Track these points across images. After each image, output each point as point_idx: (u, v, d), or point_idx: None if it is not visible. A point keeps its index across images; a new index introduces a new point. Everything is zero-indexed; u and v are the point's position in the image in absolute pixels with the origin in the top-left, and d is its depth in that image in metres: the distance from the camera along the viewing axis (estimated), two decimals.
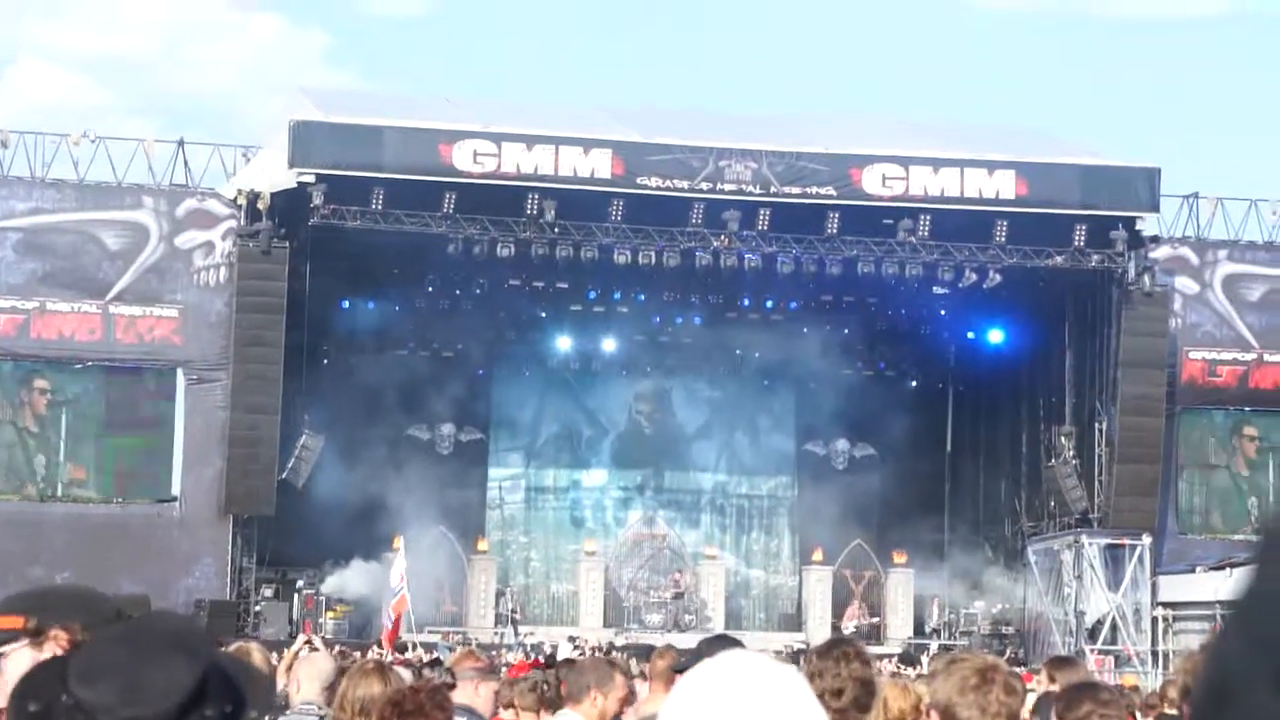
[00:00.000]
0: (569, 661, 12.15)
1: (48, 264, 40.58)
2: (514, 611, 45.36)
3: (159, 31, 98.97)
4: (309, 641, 16.42)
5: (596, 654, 33.98)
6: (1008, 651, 41.27)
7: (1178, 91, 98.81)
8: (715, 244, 40.94)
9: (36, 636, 4.19)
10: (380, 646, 37.81)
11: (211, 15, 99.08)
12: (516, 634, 43.75)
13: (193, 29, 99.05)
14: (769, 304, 46.58)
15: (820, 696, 6.03)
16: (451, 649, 34.46)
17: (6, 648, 4.22)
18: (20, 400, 41.14)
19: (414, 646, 37.22)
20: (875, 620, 47.58)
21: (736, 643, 7.95)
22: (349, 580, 42.93)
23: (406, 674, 10.72)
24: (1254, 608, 1.91)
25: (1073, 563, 42.61)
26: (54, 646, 4.17)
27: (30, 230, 40.62)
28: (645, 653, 12.91)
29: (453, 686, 10.26)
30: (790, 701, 2.61)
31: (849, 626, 45.91)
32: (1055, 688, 8.74)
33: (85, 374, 41.36)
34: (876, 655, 37.98)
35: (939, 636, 45.74)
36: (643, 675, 11.95)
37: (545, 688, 10.36)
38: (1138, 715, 10.71)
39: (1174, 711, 6.84)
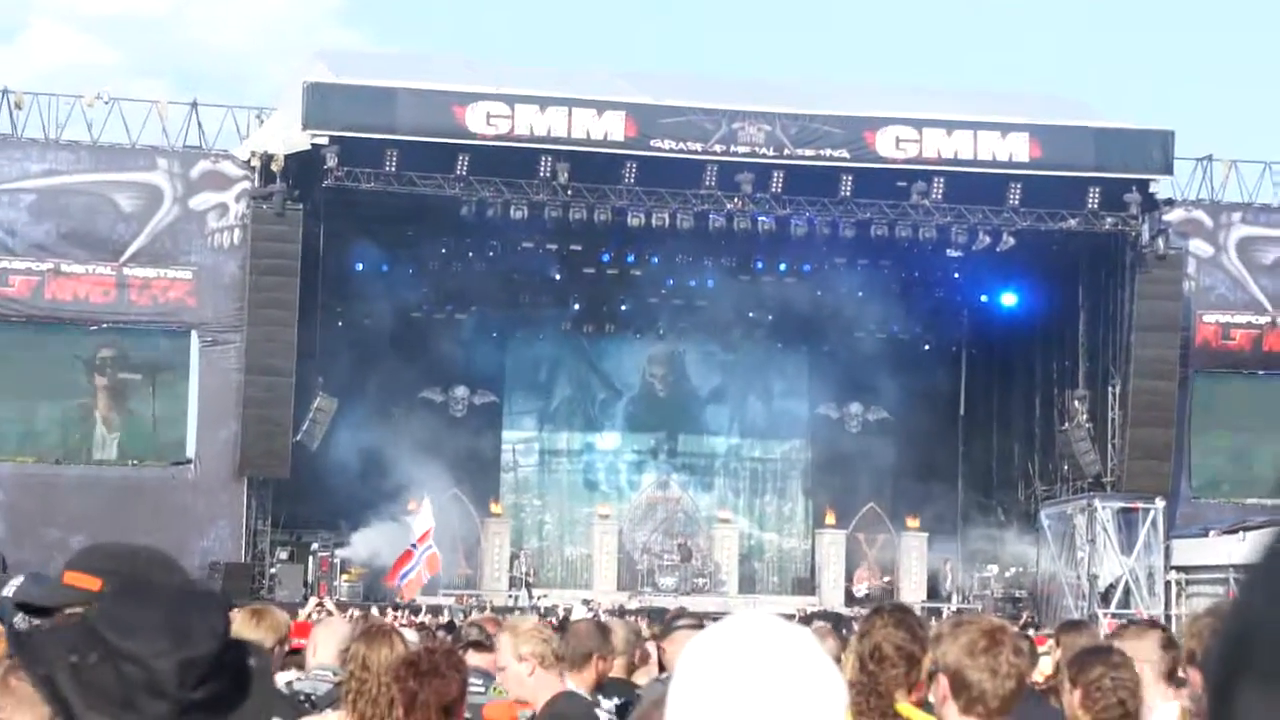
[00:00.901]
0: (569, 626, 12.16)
1: (62, 225, 40.62)
2: (528, 575, 45.50)
3: None
4: (320, 604, 16.51)
5: (603, 617, 34.07)
6: (1023, 616, 41.33)
7: (1192, 54, 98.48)
8: (729, 206, 40.91)
9: None
10: (399, 599, 38.16)
11: None
12: (530, 597, 43.89)
13: None
14: (782, 267, 46.53)
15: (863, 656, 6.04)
16: (465, 612, 34.61)
17: (79, 612, 4.07)
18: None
19: (426, 609, 37.38)
20: (886, 581, 47.66)
21: (699, 623, 8.03)
22: (363, 543, 43.03)
23: (413, 635, 10.73)
24: (1275, 565, 1.92)
25: (1086, 526, 42.63)
26: None
27: (44, 192, 40.65)
28: (659, 615, 12.93)
29: (482, 646, 10.25)
30: (802, 660, 2.63)
31: (860, 589, 45.98)
32: (1059, 651, 8.76)
33: (99, 335, 41.43)
34: None
35: (952, 601, 45.80)
36: (654, 637, 11.98)
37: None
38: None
39: (1181, 674, 6.85)
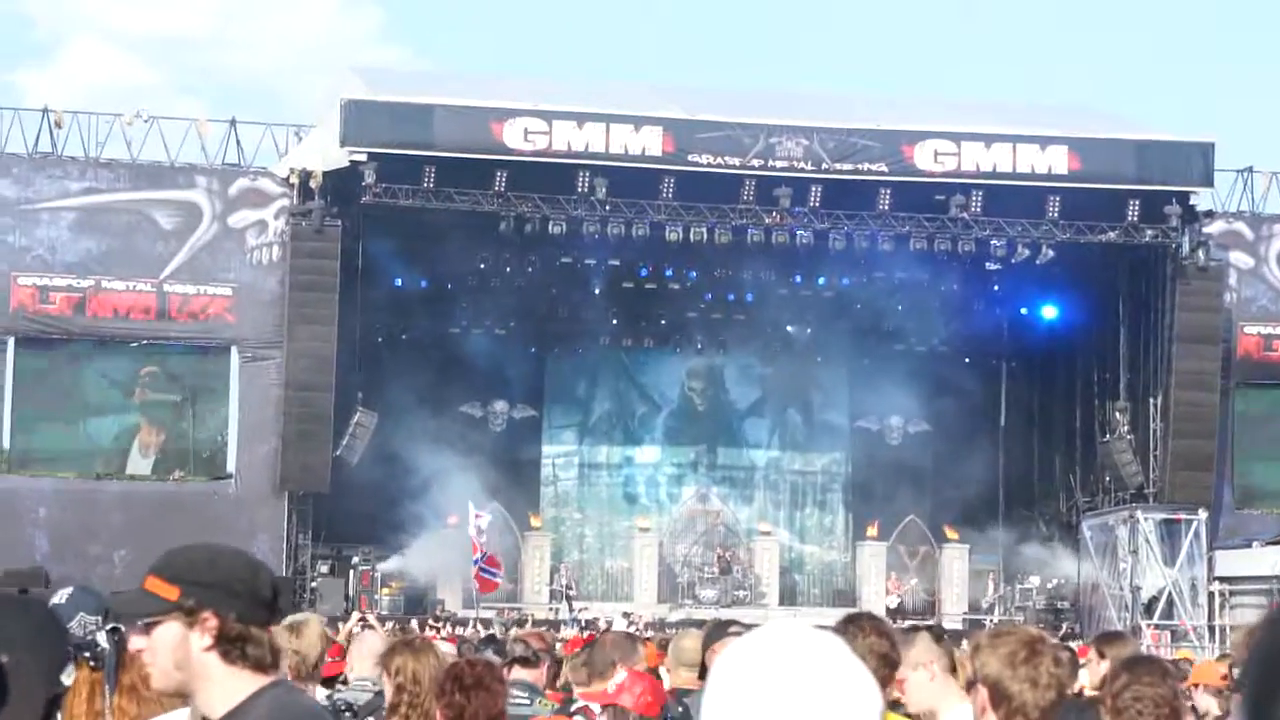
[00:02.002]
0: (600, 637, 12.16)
1: (102, 243, 40.81)
2: (568, 588, 45.53)
3: (211, 10, 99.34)
4: (363, 619, 16.54)
5: (640, 630, 34.11)
6: (1063, 627, 41.21)
7: (1233, 66, 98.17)
8: (767, 221, 40.91)
9: (190, 616, 4.07)
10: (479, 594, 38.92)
11: None
12: (571, 609, 43.92)
13: (245, 8, 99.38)
14: (821, 280, 46.46)
15: None
16: (506, 626, 34.66)
17: (157, 620, 4.09)
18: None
19: (469, 624, 37.43)
20: (917, 593, 47.62)
21: (742, 627, 8.06)
22: (403, 557, 43.11)
23: (448, 649, 10.76)
24: None
25: (1128, 538, 42.50)
26: (204, 632, 4.06)
27: (85, 210, 40.85)
28: (699, 628, 12.93)
29: (528, 662, 10.22)
30: (834, 666, 2.64)
31: (891, 601, 45.86)
32: (1105, 663, 8.73)
33: (140, 352, 41.60)
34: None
35: (994, 612, 45.69)
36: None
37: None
38: (1193, 691, 10.68)
39: (1223, 684, 6.81)
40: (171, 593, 4.05)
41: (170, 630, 4.05)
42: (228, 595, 4.08)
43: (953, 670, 6.38)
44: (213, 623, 4.05)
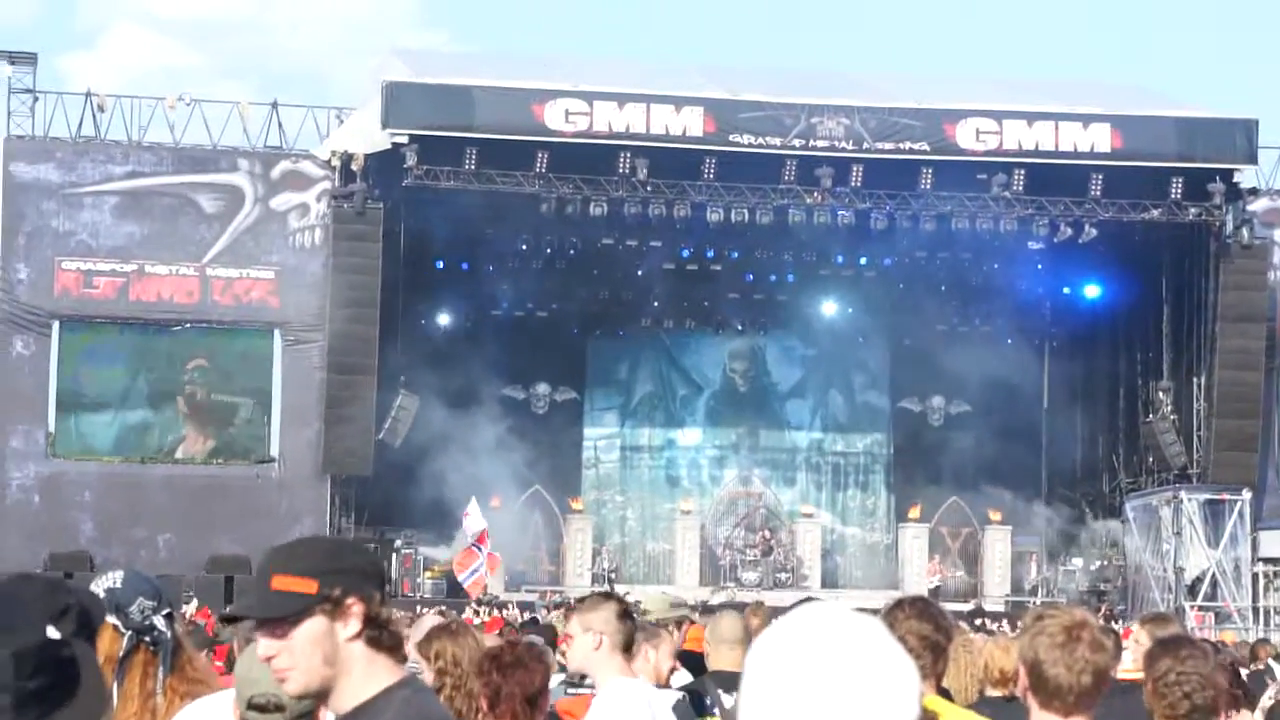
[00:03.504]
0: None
1: (145, 227, 40.96)
2: (611, 571, 45.55)
3: None
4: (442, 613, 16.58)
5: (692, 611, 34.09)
6: (1104, 608, 41.09)
7: (1276, 42, 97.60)
8: (808, 201, 40.83)
9: (336, 606, 3.93)
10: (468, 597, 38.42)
11: None
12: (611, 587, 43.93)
13: None
14: (863, 260, 46.35)
15: None
16: (548, 607, 34.72)
17: (298, 619, 3.91)
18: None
19: (510, 605, 37.51)
20: (957, 575, 47.61)
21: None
22: (447, 540, 43.21)
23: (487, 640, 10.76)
24: None
25: (1172, 519, 42.34)
26: (349, 620, 3.93)
27: (128, 194, 41.00)
28: (740, 610, 12.93)
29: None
30: (871, 649, 2.63)
31: (931, 583, 45.74)
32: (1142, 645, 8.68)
33: (183, 336, 41.76)
34: (967, 613, 37.95)
35: (1037, 594, 45.58)
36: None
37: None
38: (1242, 671, 10.64)
39: (1260, 667, 6.76)
40: (310, 586, 3.89)
41: (316, 624, 3.90)
42: (363, 578, 3.97)
43: (932, 656, 6.27)
44: (359, 608, 3.92)
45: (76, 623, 3.20)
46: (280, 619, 3.90)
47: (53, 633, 3.14)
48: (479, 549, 38.04)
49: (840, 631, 2.60)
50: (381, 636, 3.96)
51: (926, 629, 6.19)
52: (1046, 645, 5.43)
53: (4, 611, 2.99)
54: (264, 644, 3.94)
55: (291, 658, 3.91)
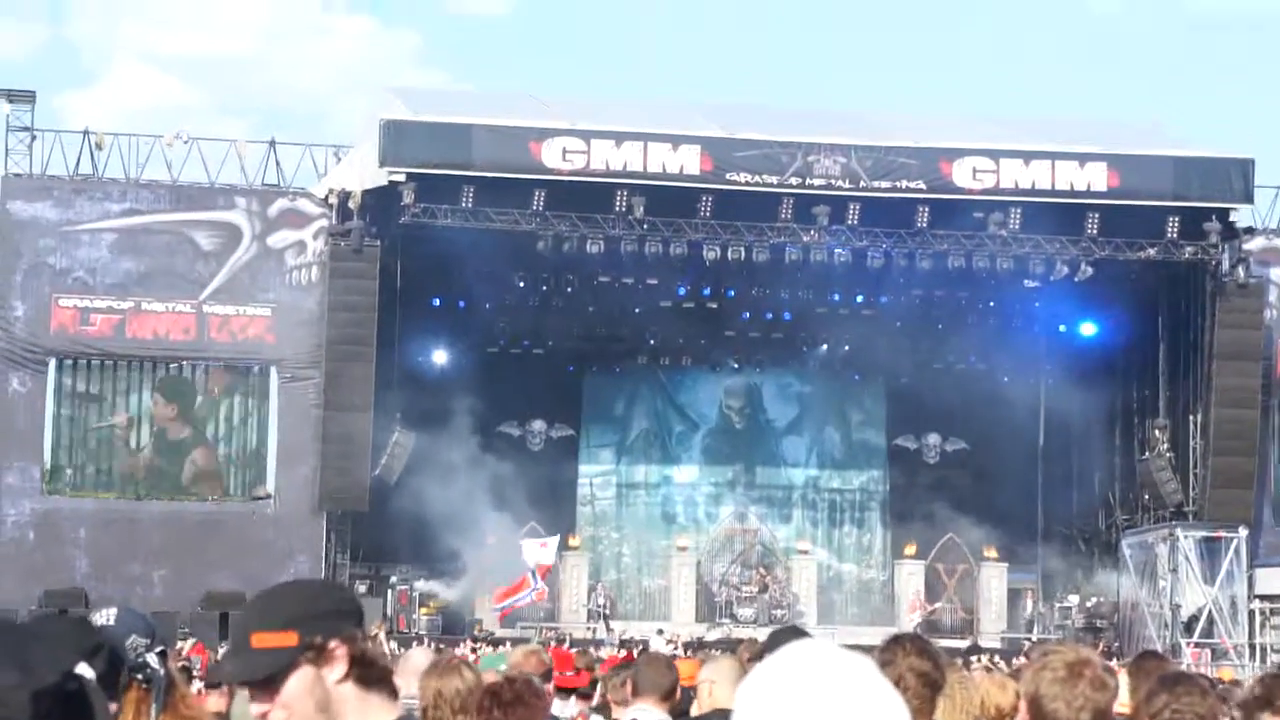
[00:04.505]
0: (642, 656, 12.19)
1: (143, 264, 40.99)
2: (605, 607, 45.50)
3: (251, 33, 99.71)
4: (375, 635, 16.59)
5: (679, 650, 34.12)
6: (1101, 645, 41.04)
7: (1271, 82, 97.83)
8: (805, 239, 40.87)
9: (320, 653, 3.86)
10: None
11: (303, 17, 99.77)
12: (609, 629, 43.87)
13: (284, 31, 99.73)
14: (859, 298, 46.39)
15: None
16: (545, 644, 34.70)
17: (285, 672, 3.86)
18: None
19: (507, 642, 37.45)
20: (957, 614, 47.53)
21: (806, 635, 8.01)
22: (441, 576, 43.18)
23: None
24: None
25: (1168, 556, 42.31)
26: (335, 664, 3.88)
27: (125, 231, 41.04)
28: (735, 647, 12.94)
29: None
30: (863, 687, 2.64)
31: (914, 619, 45.62)
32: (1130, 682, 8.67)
33: (181, 373, 41.77)
34: (962, 651, 37.88)
35: (1033, 631, 45.52)
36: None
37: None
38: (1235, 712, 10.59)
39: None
40: (290, 638, 3.83)
41: (303, 675, 3.84)
42: (342, 619, 3.91)
43: (930, 693, 6.31)
44: (343, 650, 3.86)
45: (107, 662, 3.21)
46: (275, 673, 3.84)
47: (86, 670, 3.15)
48: (533, 579, 38.69)
49: (830, 669, 2.62)
50: (370, 674, 3.93)
51: (926, 666, 6.23)
52: (1049, 680, 5.46)
53: (26, 650, 3.01)
54: (255, 706, 3.87)
55: (285, 713, 3.86)
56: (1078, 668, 5.49)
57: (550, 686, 9.55)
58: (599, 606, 45.50)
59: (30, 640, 3.08)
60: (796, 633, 8.34)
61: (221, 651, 26.85)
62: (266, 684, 3.85)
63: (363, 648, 3.92)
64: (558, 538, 40.32)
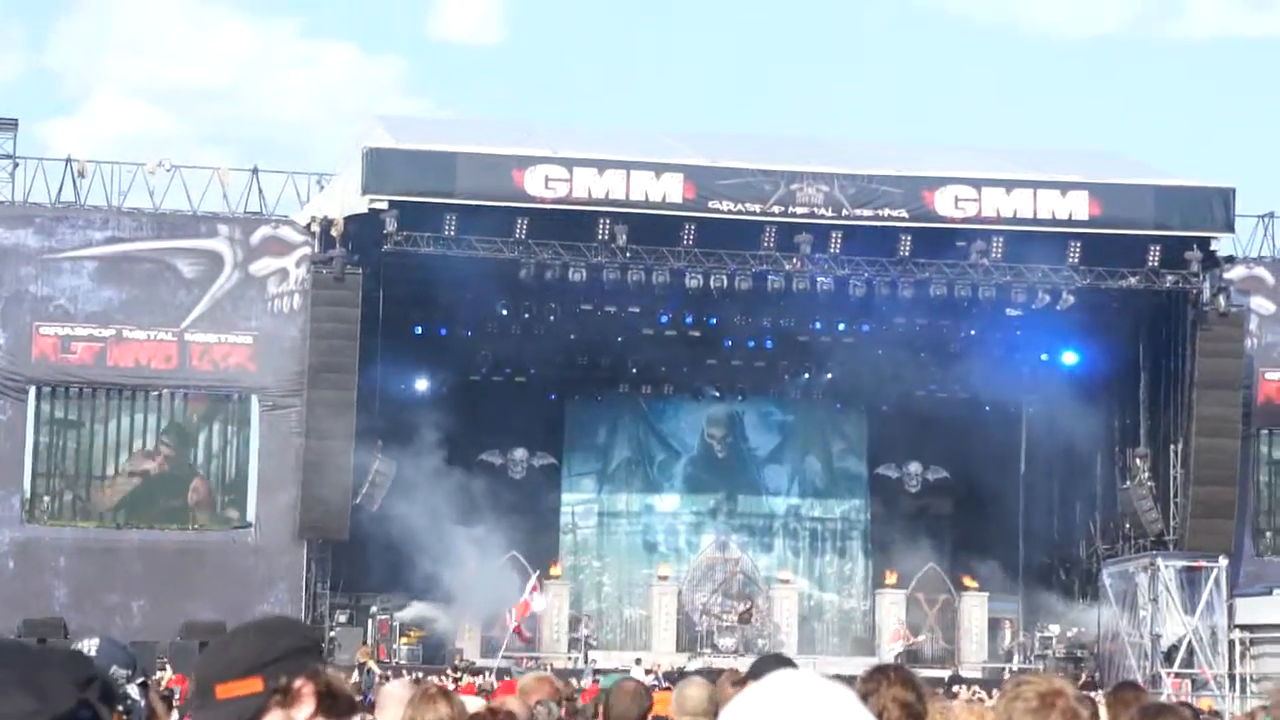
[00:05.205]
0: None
1: (124, 292, 40.94)
2: (590, 639, 45.46)
3: (233, 62, 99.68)
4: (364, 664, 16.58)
5: (660, 680, 34.05)
6: (1083, 675, 41.04)
7: (1252, 111, 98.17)
8: (787, 267, 40.89)
9: (287, 694, 3.79)
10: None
11: (285, 46, 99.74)
12: (587, 660, 43.76)
13: (266, 59, 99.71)
14: (841, 327, 46.39)
15: None
16: (523, 673, 34.62)
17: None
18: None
19: (487, 672, 37.40)
20: (937, 643, 47.51)
21: (789, 663, 7.96)
22: (422, 606, 43.07)
23: (478, 703, 10.72)
24: None
25: (1148, 585, 42.32)
26: (303, 702, 3.81)
27: (107, 259, 40.99)
28: (715, 677, 12.88)
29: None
30: (843, 717, 2.63)
31: (894, 649, 45.58)
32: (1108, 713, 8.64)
33: (161, 401, 41.71)
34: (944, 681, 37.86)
35: (1013, 660, 45.50)
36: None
37: None
38: None
39: None
40: (255, 685, 3.76)
41: None
42: (303, 655, 3.84)
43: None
44: (309, 688, 3.80)
45: (100, 692, 3.21)
46: None
47: (96, 693, 3.15)
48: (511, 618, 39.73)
49: (810, 698, 2.60)
50: (337, 705, 3.89)
51: (909, 697, 6.22)
52: (1020, 710, 5.44)
53: (41, 678, 3.00)
54: None
55: None
56: (1050, 698, 5.47)
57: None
58: (582, 636, 45.43)
59: (43, 667, 3.07)
60: (780, 660, 8.31)
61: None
62: None
63: (327, 680, 3.86)
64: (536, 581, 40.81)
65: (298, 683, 3.79)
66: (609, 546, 49.91)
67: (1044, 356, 48.06)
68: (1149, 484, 43.42)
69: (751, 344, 47.52)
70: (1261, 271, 44.34)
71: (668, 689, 11.55)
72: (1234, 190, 41.44)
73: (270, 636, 3.94)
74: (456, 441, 45.34)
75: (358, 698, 4.11)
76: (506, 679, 24.49)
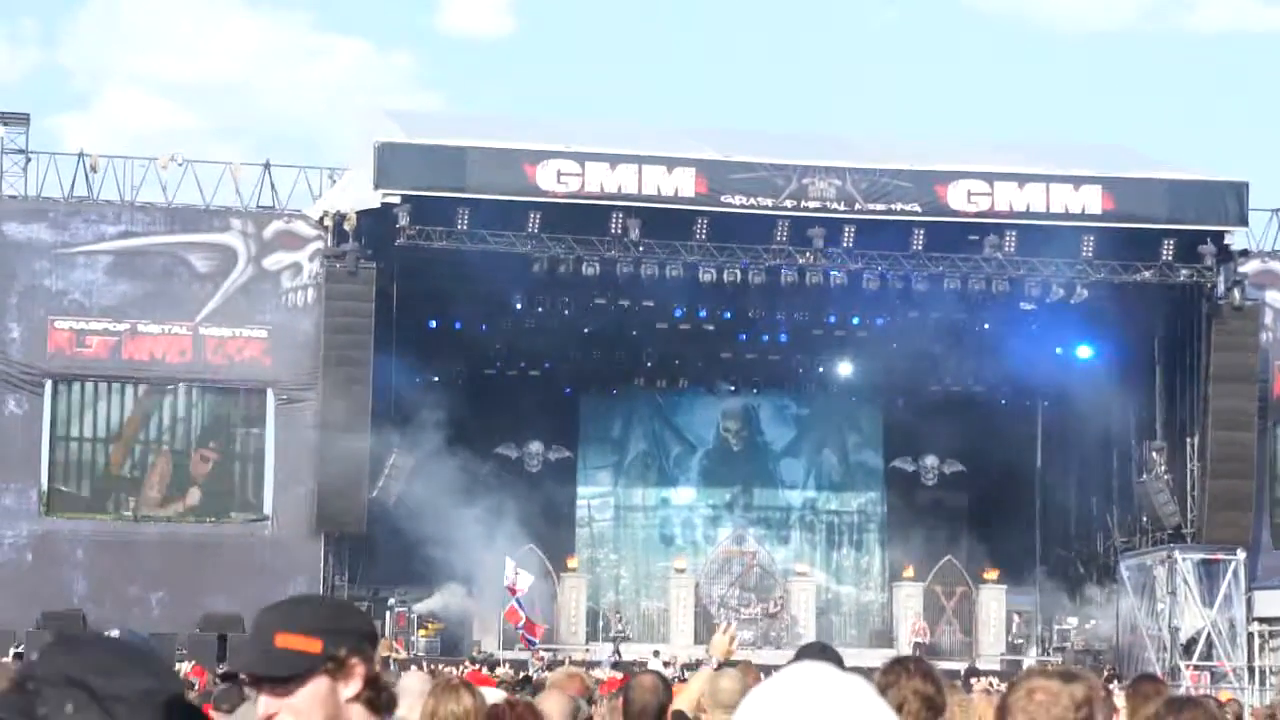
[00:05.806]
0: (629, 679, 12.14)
1: (138, 286, 41.00)
2: (620, 632, 45.68)
3: (246, 57, 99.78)
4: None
5: (679, 672, 34.03)
6: (1105, 670, 40.98)
7: (1265, 104, 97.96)
8: (800, 261, 40.87)
9: (340, 666, 3.83)
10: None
11: (298, 40, 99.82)
12: (618, 653, 43.72)
13: (279, 54, 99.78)
14: (855, 321, 46.40)
15: None
16: (544, 667, 34.63)
17: (303, 678, 3.81)
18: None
19: (504, 664, 37.40)
20: (955, 636, 47.49)
21: (833, 651, 7.96)
22: (440, 598, 43.12)
23: (498, 695, 10.72)
24: None
25: (1166, 578, 42.27)
26: (351, 681, 3.85)
27: (121, 253, 41.06)
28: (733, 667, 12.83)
29: None
30: (861, 709, 2.64)
31: (911, 642, 45.55)
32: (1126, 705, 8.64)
33: (176, 395, 41.78)
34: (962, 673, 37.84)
35: (1030, 653, 45.47)
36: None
37: None
38: None
39: None
40: (315, 645, 3.81)
41: (319, 684, 3.81)
42: (363, 639, 3.89)
43: (931, 715, 6.33)
44: (361, 668, 3.84)
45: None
46: (284, 678, 3.82)
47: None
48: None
49: (828, 691, 2.61)
50: (379, 698, 3.93)
51: (930, 689, 6.22)
52: (1020, 701, 5.45)
53: (153, 662, 3.13)
54: (265, 702, 3.84)
55: (294, 717, 3.82)
56: (1051, 688, 5.48)
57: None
58: (617, 633, 45.68)
59: (151, 652, 3.14)
60: (823, 650, 8.28)
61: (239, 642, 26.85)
62: (282, 684, 3.82)
63: (376, 671, 3.91)
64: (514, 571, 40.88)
65: (354, 660, 3.83)
66: (625, 540, 49.96)
67: (1059, 350, 47.94)
68: (1165, 477, 43.36)
69: (766, 338, 47.55)
70: (1276, 265, 44.27)
71: (684, 681, 11.53)
72: (1247, 184, 41.37)
73: (341, 611, 4.02)
74: (471, 435, 45.36)
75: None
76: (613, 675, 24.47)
